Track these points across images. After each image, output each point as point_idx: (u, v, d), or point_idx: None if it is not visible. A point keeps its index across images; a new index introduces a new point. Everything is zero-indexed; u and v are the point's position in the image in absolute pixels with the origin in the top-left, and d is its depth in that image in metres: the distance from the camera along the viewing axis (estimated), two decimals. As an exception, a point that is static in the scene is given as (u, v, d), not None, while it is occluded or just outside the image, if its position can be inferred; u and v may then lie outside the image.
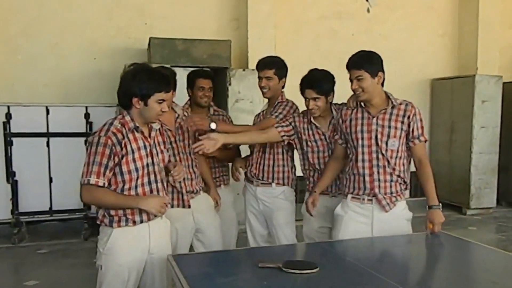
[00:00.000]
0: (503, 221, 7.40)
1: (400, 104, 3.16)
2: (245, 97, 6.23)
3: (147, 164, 2.74)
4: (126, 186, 2.66)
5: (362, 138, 3.16)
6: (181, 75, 6.01)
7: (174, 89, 3.28)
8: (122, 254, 2.68)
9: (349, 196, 3.22)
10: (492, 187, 7.80)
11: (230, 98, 6.19)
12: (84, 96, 6.37)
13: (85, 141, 5.88)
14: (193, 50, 6.06)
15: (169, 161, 3.02)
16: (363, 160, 3.16)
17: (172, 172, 2.91)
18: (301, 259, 2.69)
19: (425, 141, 3.23)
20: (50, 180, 6.08)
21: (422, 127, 3.19)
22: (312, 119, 3.55)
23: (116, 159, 2.61)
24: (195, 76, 4.00)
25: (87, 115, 6.17)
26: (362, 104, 3.19)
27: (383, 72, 3.11)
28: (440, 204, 3.16)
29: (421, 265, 2.77)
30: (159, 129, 2.91)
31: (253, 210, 3.90)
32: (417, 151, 3.19)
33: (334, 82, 3.48)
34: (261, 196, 3.81)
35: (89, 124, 6.17)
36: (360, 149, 3.16)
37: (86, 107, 6.17)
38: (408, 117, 3.13)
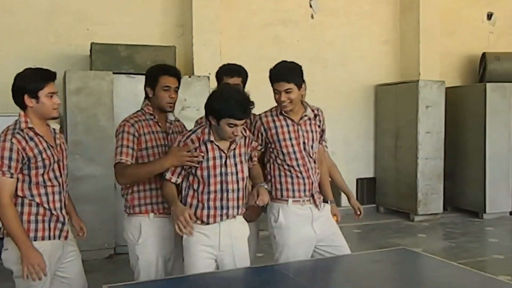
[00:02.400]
0: (451, 227, 7.78)
1: (313, 110, 3.58)
2: (192, 105, 6.36)
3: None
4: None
5: (292, 145, 3.48)
6: (124, 82, 6.32)
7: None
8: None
9: (290, 200, 3.50)
10: (439, 192, 8.15)
11: (175, 105, 6.44)
12: (25, 105, 6.44)
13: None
14: (136, 57, 6.25)
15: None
16: (298, 165, 3.49)
17: None
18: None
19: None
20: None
21: (324, 130, 3.73)
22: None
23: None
24: (160, 72, 3.40)
25: (27, 126, 6.28)
26: (283, 112, 3.48)
27: (305, 83, 3.48)
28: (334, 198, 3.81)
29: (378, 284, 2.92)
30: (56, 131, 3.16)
31: None
32: (321, 152, 3.75)
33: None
34: None
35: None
36: (292, 155, 3.48)
37: (27, 117, 6.26)
38: (321, 121, 3.63)
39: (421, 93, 7.96)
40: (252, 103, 3.03)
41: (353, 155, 8.59)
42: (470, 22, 9.27)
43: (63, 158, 3.13)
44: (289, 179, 3.51)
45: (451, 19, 9.05)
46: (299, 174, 3.49)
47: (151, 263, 3.32)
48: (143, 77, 5.86)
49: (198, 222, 3.10)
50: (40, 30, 6.63)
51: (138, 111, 3.44)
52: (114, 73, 6.15)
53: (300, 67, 3.47)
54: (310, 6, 8.17)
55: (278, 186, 3.54)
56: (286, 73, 3.38)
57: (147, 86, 3.44)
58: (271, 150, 3.54)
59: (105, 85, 6.08)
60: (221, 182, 3.11)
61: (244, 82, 3.81)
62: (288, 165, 3.50)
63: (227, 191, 3.12)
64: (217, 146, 3.10)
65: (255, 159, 3.43)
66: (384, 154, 8.60)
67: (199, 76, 6.65)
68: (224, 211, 3.13)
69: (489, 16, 9.41)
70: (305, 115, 3.52)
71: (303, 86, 3.45)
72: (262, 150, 3.59)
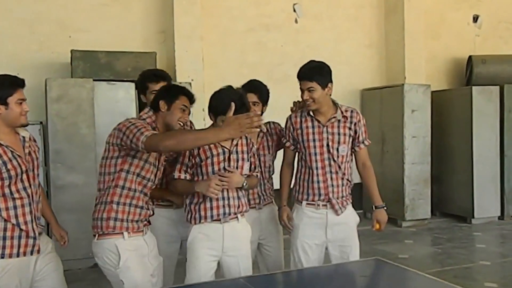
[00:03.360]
0: (438, 233, 7.79)
1: (346, 111, 3.58)
2: None
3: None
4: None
5: (315, 147, 3.53)
6: (105, 89, 6.34)
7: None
8: None
9: (304, 202, 3.60)
10: (426, 198, 8.17)
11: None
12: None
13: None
14: (116, 63, 6.32)
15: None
16: (316, 168, 3.54)
17: None
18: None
19: (368, 145, 3.69)
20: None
21: (366, 132, 3.65)
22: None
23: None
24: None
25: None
26: (311, 113, 3.54)
27: (332, 82, 3.48)
28: (384, 203, 3.67)
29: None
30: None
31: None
32: (362, 155, 3.69)
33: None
34: None
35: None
36: (313, 157, 3.54)
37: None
38: (355, 124, 3.57)
39: (407, 97, 7.97)
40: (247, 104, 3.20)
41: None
42: (455, 25, 9.31)
43: (33, 167, 3.08)
44: (305, 182, 3.61)
45: (436, 22, 9.11)
46: (315, 178, 3.55)
47: (138, 284, 3.20)
48: (123, 84, 5.86)
49: (203, 220, 3.24)
50: (22, 38, 6.68)
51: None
52: (94, 80, 6.19)
53: (327, 66, 3.52)
54: (294, 10, 8.23)
55: (297, 187, 3.68)
56: (309, 72, 3.45)
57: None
58: (298, 150, 3.66)
59: (85, 92, 6.12)
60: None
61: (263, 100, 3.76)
62: (307, 167, 3.59)
63: None
64: (219, 143, 3.23)
65: (256, 171, 3.47)
66: (370, 159, 8.34)
67: (180, 83, 6.70)
68: (226, 209, 3.26)
69: (475, 18, 9.46)
70: (334, 117, 3.55)
71: (329, 85, 3.47)
72: (295, 150, 3.71)
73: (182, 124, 3.25)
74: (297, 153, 3.76)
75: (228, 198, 3.29)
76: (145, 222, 3.26)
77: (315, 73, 3.45)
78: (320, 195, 3.57)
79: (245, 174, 3.35)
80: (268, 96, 3.76)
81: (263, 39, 8.04)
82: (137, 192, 3.15)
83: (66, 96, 6.07)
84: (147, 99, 3.62)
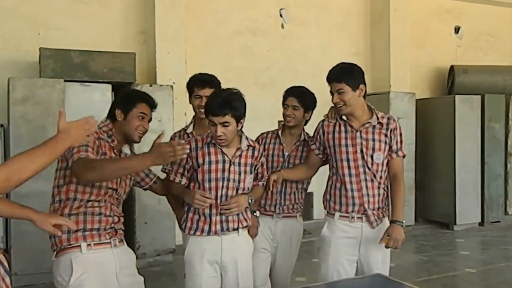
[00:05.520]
0: (422, 239, 6.97)
1: (382, 117, 2.99)
2: (153, 115, 5.37)
3: None
4: None
5: (347, 152, 2.95)
6: (78, 91, 5.12)
7: None
8: None
9: (337, 214, 2.98)
10: (410, 204, 7.31)
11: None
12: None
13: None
14: (91, 63, 5.09)
15: None
16: (350, 175, 2.94)
17: None
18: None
19: (403, 156, 3.05)
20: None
21: (401, 142, 3.04)
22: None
23: None
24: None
25: (-33, 135, 4.99)
26: (344, 117, 2.98)
27: (365, 84, 2.93)
28: (404, 222, 2.95)
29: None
30: None
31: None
32: (394, 165, 3.03)
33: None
34: None
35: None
36: (345, 163, 2.95)
37: (-33, 126, 4.98)
38: (391, 131, 2.98)
39: (392, 105, 7.08)
40: (236, 103, 2.62)
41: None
42: (438, 36, 8.44)
43: None
44: (337, 191, 3.00)
45: (420, 32, 8.21)
46: (348, 186, 2.95)
47: None
48: (99, 85, 4.81)
49: (198, 233, 2.71)
50: (-16, 34, 5.42)
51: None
52: (66, 81, 4.96)
53: (358, 68, 2.97)
54: (280, 15, 7.12)
55: (328, 196, 3.09)
56: (338, 73, 2.92)
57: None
58: (329, 157, 3.08)
59: (56, 93, 4.87)
60: (222, 188, 2.69)
61: None
62: (339, 174, 2.98)
63: (227, 197, 2.70)
64: (221, 150, 2.71)
65: (262, 180, 2.95)
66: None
67: (161, 85, 5.49)
68: (224, 225, 2.72)
69: (457, 30, 8.63)
70: (368, 122, 2.95)
71: (361, 87, 2.90)
72: (320, 156, 3.13)
73: (141, 133, 2.66)
74: (328, 162, 3.17)
75: (227, 217, 2.73)
76: (111, 231, 2.54)
77: (344, 74, 2.91)
78: (354, 205, 2.95)
79: (248, 187, 2.79)
80: (312, 103, 3.28)
81: (249, 43, 6.90)
82: (92, 202, 2.50)
83: (32, 97, 4.82)
84: (192, 104, 3.18)
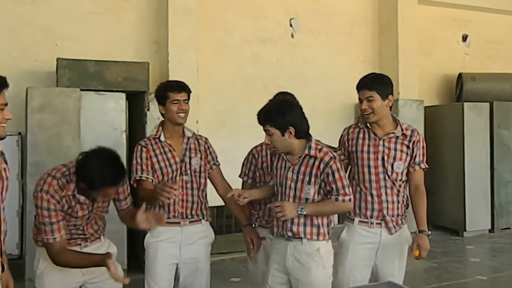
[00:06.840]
0: (432, 246, 6.57)
1: (407, 129, 3.03)
2: None
3: None
4: None
5: (369, 159, 3.01)
6: (93, 99, 5.19)
7: None
8: None
9: (356, 219, 3.01)
10: None
11: (148, 124, 5.26)
12: (-16, 123, 5.34)
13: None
14: (106, 73, 5.18)
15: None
16: (370, 181, 2.99)
17: None
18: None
19: (425, 169, 3.09)
20: None
21: (424, 155, 3.08)
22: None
23: None
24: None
25: (-12, 144, 5.17)
26: (369, 125, 3.02)
27: (393, 95, 2.99)
28: (430, 232, 3.07)
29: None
30: None
31: None
32: (416, 177, 3.07)
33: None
34: None
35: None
36: (366, 169, 3.01)
37: (-14, 135, 5.17)
38: (413, 143, 3.02)
39: (401, 112, 7.11)
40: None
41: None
42: (445, 44, 8.46)
43: (1, 189, 2.17)
44: (357, 195, 3.01)
45: (428, 40, 8.23)
46: (368, 191, 2.99)
47: None
48: (113, 94, 4.93)
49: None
50: (2, 45, 5.49)
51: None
52: (82, 90, 5.06)
53: (389, 79, 3.04)
54: (290, 25, 7.18)
55: None
56: (369, 81, 2.99)
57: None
58: (351, 162, 3.13)
59: (72, 102, 4.97)
60: (280, 194, 2.77)
61: None
62: (360, 179, 3.03)
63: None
64: (283, 156, 2.78)
65: (337, 194, 2.72)
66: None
67: (174, 94, 5.56)
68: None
69: (464, 38, 8.64)
70: (392, 132, 3.00)
71: (389, 97, 2.96)
72: (345, 160, 3.15)
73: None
74: (349, 167, 3.20)
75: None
76: (81, 236, 2.76)
77: (375, 82, 2.97)
78: (373, 210, 2.99)
79: (307, 198, 2.72)
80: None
81: (259, 52, 6.94)
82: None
83: (49, 106, 4.92)
84: (166, 110, 3.11)
